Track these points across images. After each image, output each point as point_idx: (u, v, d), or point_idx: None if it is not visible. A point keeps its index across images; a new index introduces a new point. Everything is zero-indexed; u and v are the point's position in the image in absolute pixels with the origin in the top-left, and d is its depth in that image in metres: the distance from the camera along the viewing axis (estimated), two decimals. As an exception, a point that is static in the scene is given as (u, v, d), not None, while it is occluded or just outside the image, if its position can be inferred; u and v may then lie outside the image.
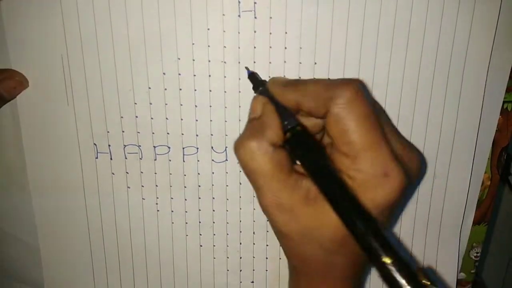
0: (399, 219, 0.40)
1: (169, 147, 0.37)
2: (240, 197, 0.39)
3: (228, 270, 0.41)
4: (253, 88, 0.34)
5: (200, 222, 0.40)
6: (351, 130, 0.26)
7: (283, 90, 0.30)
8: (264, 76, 0.35)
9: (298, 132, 0.29)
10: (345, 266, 0.30)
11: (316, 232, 0.28)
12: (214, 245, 0.40)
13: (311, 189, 0.28)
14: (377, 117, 0.27)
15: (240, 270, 0.41)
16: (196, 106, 0.36)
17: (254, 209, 0.39)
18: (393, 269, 0.24)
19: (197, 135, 0.37)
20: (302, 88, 0.29)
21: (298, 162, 0.29)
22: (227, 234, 0.40)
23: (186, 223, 0.40)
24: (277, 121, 0.29)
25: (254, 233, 0.40)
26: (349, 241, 0.26)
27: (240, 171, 0.38)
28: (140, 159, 0.38)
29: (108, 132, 0.37)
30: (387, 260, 0.24)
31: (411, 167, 0.29)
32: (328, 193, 0.27)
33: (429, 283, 0.23)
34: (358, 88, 0.27)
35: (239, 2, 0.34)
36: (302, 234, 0.29)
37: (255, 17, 0.34)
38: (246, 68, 0.35)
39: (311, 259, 0.30)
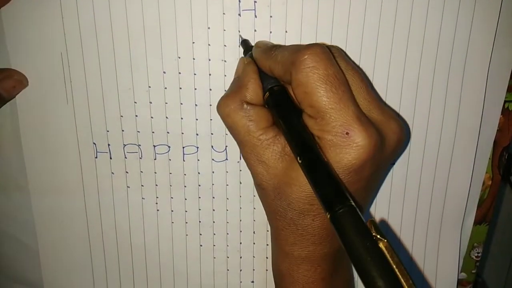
0: (399, 219, 0.40)
1: (169, 147, 0.37)
2: (240, 196, 0.39)
3: (228, 270, 0.41)
4: (244, 53, 0.35)
5: (200, 221, 0.40)
6: (311, 92, 0.27)
7: (260, 56, 0.31)
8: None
9: (275, 92, 0.30)
10: (314, 228, 0.30)
11: (286, 189, 0.29)
12: (214, 245, 0.40)
13: (287, 146, 0.29)
14: (341, 78, 0.28)
15: (240, 270, 0.41)
16: (196, 105, 0.36)
17: (254, 208, 0.39)
18: (343, 220, 0.23)
19: (197, 134, 0.37)
20: (274, 55, 0.30)
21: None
22: (227, 233, 0.40)
23: (186, 222, 0.40)
24: (256, 81, 0.31)
25: (254, 232, 0.40)
26: (316, 202, 0.27)
27: (241, 170, 0.38)
28: (140, 158, 0.38)
29: (107, 131, 0.37)
30: (338, 208, 0.24)
31: (388, 134, 0.29)
32: (295, 149, 0.28)
33: (378, 235, 0.23)
34: (318, 51, 0.27)
35: (239, 1, 0.34)
36: (275, 189, 0.30)
37: (256, 16, 0.34)
38: (240, 35, 0.35)
39: (284, 217, 0.30)
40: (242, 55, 0.35)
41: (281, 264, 0.33)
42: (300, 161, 0.27)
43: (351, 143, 0.26)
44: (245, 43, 0.35)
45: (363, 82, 0.30)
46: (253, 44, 0.34)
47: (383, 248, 0.23)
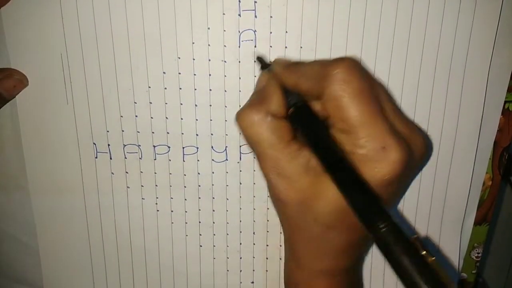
0: (399, 218, 0.40)
1: (169, 147, 0.37)
2: (240, 197, 0.39)
3: (228, 271, 0.41)
4: (261, 68, 0.34)
5: (200, 222, 0.40)
6: (345, 106, 0.27)
7: (283, 72, 0.31)
8: (264, 75, 0.35)
9: (300, 107, 0.29)
10: (338, 242, 0.29)
11: (313, 203, 0.28)
12: (214, 245, 0.40)
13: (312, 159, 0.29)
14: (373, 92, 0.27)
15: (240, 271, 0.41)
16: (196, 105, 0.36)
17: (254, 209, 0.39)
18: (389, 238, 0.23)
19: (197, 135, 0.37)
20: (300, 70, 0.30)
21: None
22: (227, 234, 0.40)
23: (186, 223, 0.40)
24: (279, 94, 0.30)
25: (254, 233, 0.40)
26: (346, 216, 0.26)
27: (241, 171, 0.38)
28: (140, 158, 0.38)
29: (107, 131, 0.37)
30: (382, 226, 0.24)
31: (414, 146, 0.29)
32: (327, 164, 0.27)
33: (424, 252, 0.23)
34: (351, 64, 0.27)
35: (239, 1, 0.34)
36: (300, 203, 0.29)
37: (256, 16, 0.34)
38: (255, 50, 0.35)
39: (306, 230, 0.30)
40: (260, 70, 0.35)
41: (297, 276, 0.32)
42: (335, 178, 0.27)
43: (386, 158, 0.26)
44: (261, 60, 0.35)
45: (388, 95, 0.29)
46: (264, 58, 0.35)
47: (433, 266, 0.22)
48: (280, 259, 0.41)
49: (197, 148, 0.37)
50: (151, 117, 0.36)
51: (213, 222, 0.40)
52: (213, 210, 0.39)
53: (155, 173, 0.38)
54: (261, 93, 0.31)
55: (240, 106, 0.36)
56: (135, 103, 0.36)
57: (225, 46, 0.35)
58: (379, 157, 0.26)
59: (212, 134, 0.37)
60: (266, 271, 0.41)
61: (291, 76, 0.30)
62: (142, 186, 0.38)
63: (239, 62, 0.35)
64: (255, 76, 0.35)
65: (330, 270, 0.31)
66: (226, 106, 0.36)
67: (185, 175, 0.38)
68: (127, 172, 0.38)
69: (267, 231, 0.40)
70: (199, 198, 0.39)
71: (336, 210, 0.28)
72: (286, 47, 0.35)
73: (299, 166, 0.29)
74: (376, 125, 0.27)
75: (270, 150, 0.29)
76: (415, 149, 0.29)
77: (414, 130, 0.29)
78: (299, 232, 0.30)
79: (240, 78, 0.35)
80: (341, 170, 0.26)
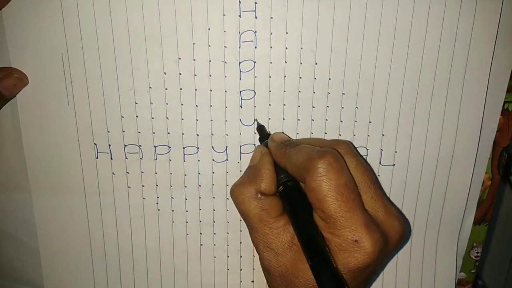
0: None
1: (169, 147, 0.37)
2: (240, 197, 0.39)
3: (228, 269, 0.41)
4: (259, 140, 0.37)
5: (200, 221, 0.40)
6: (323, 200, 0.29)
7: (274, 150, 0.34)
8: (264, 76, 0.35)
9: (289, 188, 0.32)
10: None
11: (293, 279, 0.31)
12: (214, 244, 0.40)
13: (296, 237, 0.31)
14: (350, 186, 0.30)
15: (241, 269, 0.41)
16: (196, 105, 0.36)
17: (254, 209, 0.39)
18: None
19: (197, 135, 0.37)
20: (288, 155, 0.32)
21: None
22: (227, 233, 0.40)
23: (187, 222, 0.40)
24: (271, 172, 0.33)
25: (254, 232, 0.40)
26: None
27: (241, 171, 0.38)
28: (141, 159, 0.38)
29: (108, 132, 0.37)
30: None
31: (391, 234, 0.31)
32: (305, 249, 0.30)
33: None
34: (332, 160, 0.29)
35: (239, 2, 0.34)
36: (282, 276, 0.32)
37: (256, 17, 0.34)
38: (256, 120, 0.37)
39: None
40: (258, 142, 0.37)
41: None
42: (310, 263, 0.29)
43: (358, 249, 0.29)
44: (260, 130, 0.37)
45: (372, 180, 0.31)
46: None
47: None
48: (280, 258, 0.41)
49: (198, 148, 0.37)
50: (152, 118, 0.36)
51: (214, 221, 0.40)
52: (214, 210, 0.39)
53: (156, 173, 0.38)
54: (254, 170, 0.34)
55: (240, 107, 0.36)
56: (136, 103, 0.36)
57: (225, 47, 0.35)
58: (352, 248, 0.29)
59: (212, 134, 0.37)
60: (266, 270, 0.41)
61: (281, 159, 0.33)
62: (142, 186, 0.39)
63: (240, 62, 0.35)
64: (255, 77, 0.35)
65: None
66: (226, 107, 0.36)
67: (185, 175, 0.38)
68: (127, 172, 0.38)
69: (267, 231, 0.40)
70: (200, 197, 0.39)
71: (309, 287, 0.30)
72: (286, 48, 0.35)
73: (284, 242, 0.31)
74: (351, 219, 0.29)
75: (259, 224, 0.32)
76: (392, 236, 0.31)
77: (392, 216, 0.32)
78: None
79: (240, 79, 0.35)
80: (316, 254, 0.29)
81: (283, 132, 0.37)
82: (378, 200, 0.31)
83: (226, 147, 0.37)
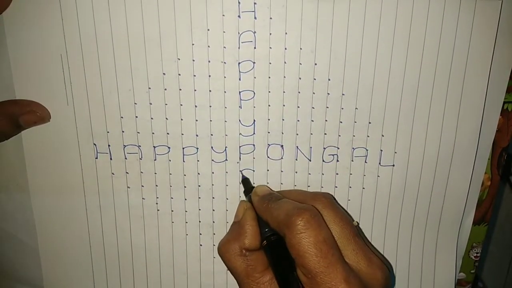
0: (398, 218, 0.40)
1: (169, 147, 0.37)
2: (240, 196, 0.39)
3: (228, 270, 0.41)
4: (244, 193, 0.38)
5: (200, 221, 0.40)
6: (303, 256, 0.30)
7: (257, 204, 0.35)
8: (264, 76, 0.35)
9: (272, 243, 0.33)
10: None
11: None
12: (214, 245, 0.40)
13: None
14: (329, 241, 0.31)
15: (240, 270, 0.41)
16: (196, 106, 0.36)
17: (254, 209, 0.39)
18: None
19: (197, 135, 0.37)
20: (269, 211, 0.33)
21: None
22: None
23: (186, 222, 0.40)
24: (254, 228, 0.34)
25: (254, 233, 0.40)
26: None
27: (241, 171, 0.38)
28: (140, 159, 0.38)
29: (108, 132, 0.37)
30: None
31: (375, 285, 0.32)
32: None
33: None
34: (310, 217, 0.31)
35: (239, 2, 0.34)
36: None
37: (255, 18, 0.34)
38: (241, 172, 0.38)
39: None
40: (243, 194, 0.38)
41: None
42: None
43: None
44: (245, 183, 0.38)
45: (352, 233, 0.32)
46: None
47: None
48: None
49: (197, 148, 0.37)
50: (151, 118, 0.36)
51: (213, 222, 0.40)
52: (213, 210, 0.39)
53: (155, 173, 0.38)
54: (238, 226, 0.35)
55: (240, 107, 0.36)
56: (135, 104, 0.36)
57: (224, 47, 0.35)
58: None
59: (211, 135, 0.37)
60: (266, 270, 0.41)
61: (263, 213, 0.34)
62: (142, 186, 0.39)
63: (239, 63, 0.35)
64: (255, 77, 0.35)
65: None
66: (225, 107, 0.36)
67: (185, 175, 0.38)
68: (127, 173, 0.38)
69: (267, 231, 0.40)
70: (199, 198, 0.39)
71: None
72: (285, 49, 0.35)
73: None
74: (330, 274, 0.29)
75: (246, 280, 0.33)
76: (375, 285, 0.32)
77: (375, 267, 0.32)
78: None
79: (240, 79, 0.35)
80: None
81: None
82: (359, 252, 0.32)
83: (226, 147, 0.38)
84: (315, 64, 0.35)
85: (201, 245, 0.40)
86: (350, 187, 0.39)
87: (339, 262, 0.30)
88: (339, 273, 0.30)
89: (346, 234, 0.32)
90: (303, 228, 0.30)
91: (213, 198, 0.39)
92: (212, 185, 0.39)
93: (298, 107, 0.37)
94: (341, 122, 0.37)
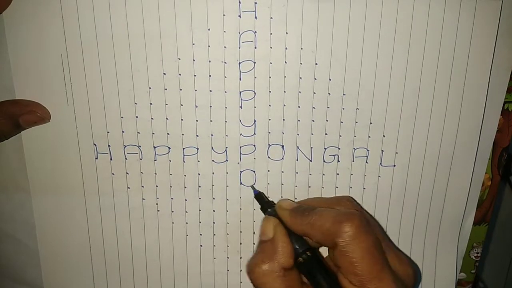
0: (398, 218, 0.40)
1: (169, 148, 0.37)
2: (240, 197, 0.39)
3: (228, 270, 0.41)
4: (261, 209, 0.37)
5: (200, 222, 0.40)
6: (356, 262, 0.29)
7: (290, 219, 0.33)
8: (264, 76, 0.35)
9: (309, 258, 0.32)
10: None
11: None
12: (214, 245, 0.40)
13: None
14: (379, 245, 0.30)
15: (240, 270, 0.41)
16: (196, 106, 0.36)
17: (254, 209, 0.39)
18: None
19: (197, 136, 0.37)
20: (309, 221, 0.32)
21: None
22: (227, 234, 0.40)
23: (186, 223, 0.40)
24: (289, 245, 0.32)
25: (254, 233, 0.40)
26: None
27: (241, 171, 0.38)
28: (140, 159, 0.38)
29: (108, 132, 0.37)
30: None
31: (406, 279, 0.32)
32: None
33: None
34: (360, 222, 0.30)
35: (239, 2, 0.34)
36: None
37: (256, 18, 0.34)
38: (252, 187, 0.37)
39: None
40: (261, 211, 0.37)
41: None
42: None
43: None
44: (259, 198, 0.37)
45: (381, 232, 0.32)
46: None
47: None
48: (280, 259, 0.41)
49: (197, 149, 0.37)
50: (152, 118, 0.36)
51: (213, 222, 0.40)
52: (213, 210, 0.39)
53: (156, 173, 0.38)
54: (271, 245, 0.32)
55: (240, 107, 0.36)
56: (136, 104, 0.36)
57: (225, 47, 0.35)
58: None
59: (212, 135, 0.37)
60: (266, 271, 0.41)
61: (300, 226, 0.32)
62: (142, 186, 0.38)
63: (239, 63, 0.35)
64: (255, 77, 0.35)
65: None
66: (226, 107, 0.36)
67: (185, 175, 0.38)
68: (127, 173, 0.38)
69: (267, 231, 0.40)
70: (200, 198, 0.39)
71: None
72: (286, 49, 0.35)
73: None
74: (384, 279, 0.29)
75: None
76: (407, 281, 0.32)
77: (406, 264, 0.32)
78: None
79: (240, 79, 0.35)
80: None
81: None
82: (390, 251, 0.32)
83: (226, 147, 0.37)
84: (316, 64, 0.35)
85: (201, 245, 0.40)
86: (351, 187, 0.39)
87: (388, 266, 0.30)
88: (390, 276, 0.29)
89: (378, 234, 0.32)
90: (356, 233, 0.29)
91: (214, 198, 0.39)
92: (213, 185, 0.39)
93: (299, 107, 0.36)
94: (342, 122, 0.37)
